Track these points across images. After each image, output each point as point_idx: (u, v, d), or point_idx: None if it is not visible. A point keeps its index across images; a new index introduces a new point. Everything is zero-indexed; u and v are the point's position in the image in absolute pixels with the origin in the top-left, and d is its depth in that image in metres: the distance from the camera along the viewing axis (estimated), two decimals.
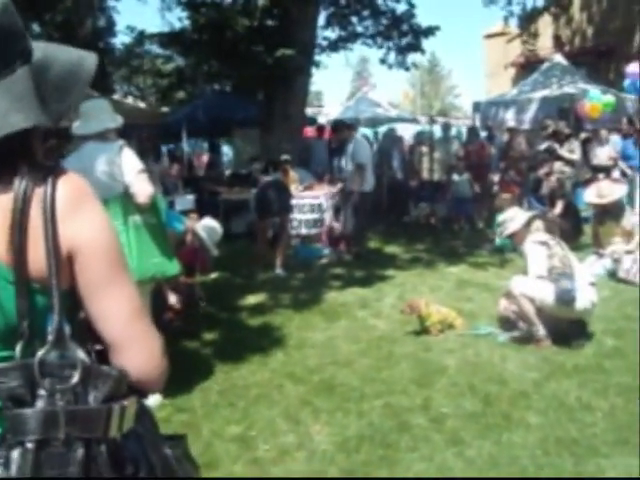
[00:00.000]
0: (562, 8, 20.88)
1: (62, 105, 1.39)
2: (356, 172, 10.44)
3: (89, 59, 1.44)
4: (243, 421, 4.63)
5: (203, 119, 15.17)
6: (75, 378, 1.28)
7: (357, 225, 10.77)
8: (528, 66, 21.70)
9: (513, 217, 6.44)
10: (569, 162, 11.42)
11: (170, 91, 19.82)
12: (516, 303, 6.06)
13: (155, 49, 19.65)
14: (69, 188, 1.33)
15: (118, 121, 4.87)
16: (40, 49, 1.38)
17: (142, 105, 21.47)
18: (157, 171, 10.42)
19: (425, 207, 13.92)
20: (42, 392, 1.26)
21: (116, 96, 22.65)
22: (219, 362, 5.81)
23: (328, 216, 11.61)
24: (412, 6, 15.51)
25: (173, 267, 4.88)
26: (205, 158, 17.98)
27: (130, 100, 22.76)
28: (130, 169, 4.67)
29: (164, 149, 17.28)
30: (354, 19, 15.87)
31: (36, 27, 17.82)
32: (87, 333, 1.38)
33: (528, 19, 21.09)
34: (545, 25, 22.74)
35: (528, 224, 6.33)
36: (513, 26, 22.79)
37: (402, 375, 5.40)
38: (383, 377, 5.38)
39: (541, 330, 5.91)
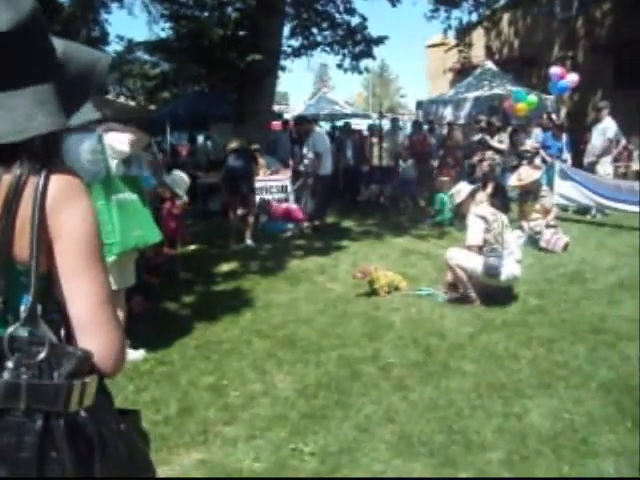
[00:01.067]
0: (493, 23, 20.87)
1: (78, 106, 1.33)
2: (315, 159, 10.42)
3: (103, 60, 1.36)
4: (216, 372, 4.48)
5: (184, 115, 14.96)
6: (42, 355, 1.20)
7: (316, 203, 10.63)
8: (463, 71, 21.62)
9: (459, 190, 6.36)
10: (498, 151, 11.39)
11: (156, 91, 19.54)
12: (452, 271, 6.00)
13: (143, 56, 19.33)
14: (61, 182, 1.24)
15: (97, 114, 4.69)
16: (60, 46, 1.29)
17: (132, 103, 21.09)
18: (144, 157, 10.16)
19: (375, 188, 13.85)
20: (9, 365, 1.19)
21: (110, 96, 22.21)
22: (196, 321, 5.63)
23: (291, 196, 11.48)
24: (364, 19, 15.53)
25: (154, 236, 4.71)
26: (185, 149, 17.67)
27: (122, 99, 22.36)
28: (116, 139, 4.53)
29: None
30: (315, 30, 15.82)
31: None
32: (60, 316, 1.29)
33: (464, 31, 21.05)
34: (478, 37, 22.70)
35: (472, 195, 6.25)
36: (451, 37, 22.75)
37: (354, 330, 5.27)
38: (338, 332, 5.24)
39: (472, 293, 5.85)
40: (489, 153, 11.48)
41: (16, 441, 1.16)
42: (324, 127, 19.92)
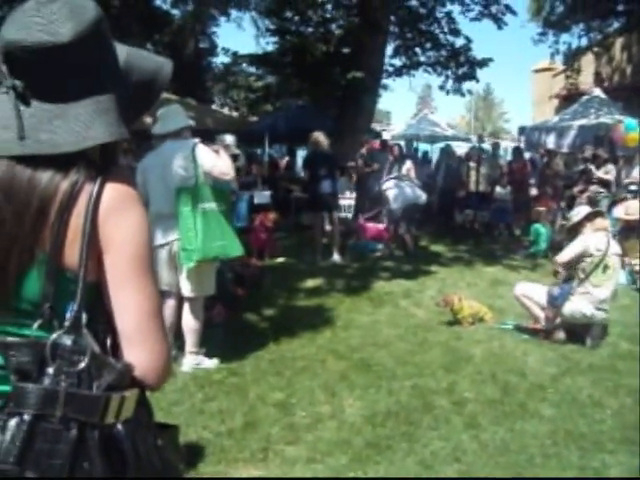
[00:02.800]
0: (604, 48, 20.12)
1: (139, 115, 1.34)
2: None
3: (166, 67, 1.35)
4: (286, 389, 4.46)
5: (284, 128, 15.09)
6: (82, 364, 1.19)
7: (409, 226, 10.46)
8: (570, 98, 20.92)
9: (579, 211, 6.05)
10: (605, 183, 10.89)
11: (258, 104, 19.93)
12: (519, 302, 5.91)
13: (248, 68, 19.86)
14: (115, 191, 1.23)
15: (190, 122, 4.87)
16: (123, 53, 1.30)
17: (235, 114, 21.63)
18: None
19: (470, 213, 13.54)
20: (49, 371, 1.18)
21: (214, 106, 22.90)
22: (274, 335, 5.63)
23: (385, 218, 11.35)
24: (469, 40, 15.42)
25: (236, 249, 4.75)
26: (284, 162, 17.89)
27: (226, 110, 22.98)
28: (207, 159, 4.61)
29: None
30: (418, 50, 15.78)
31: (149, 45, 18.13)
32: (108, 326, 1.28)
33: (572, 56, 20.41)
34: (587, 63, 21.98)
35: (589, 218, 5.81)
36: (559, 62, 22.11)
37: (432, 360, 5.12)
38: (415, 360, 5.10)
39: (550, 325, 5.63)
40: (594, 187, 11.02)
41: (49, 448, 1.15)
42: (423, 148, 19.80)
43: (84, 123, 1.19)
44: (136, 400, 1.26)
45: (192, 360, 4.80)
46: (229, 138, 5.81)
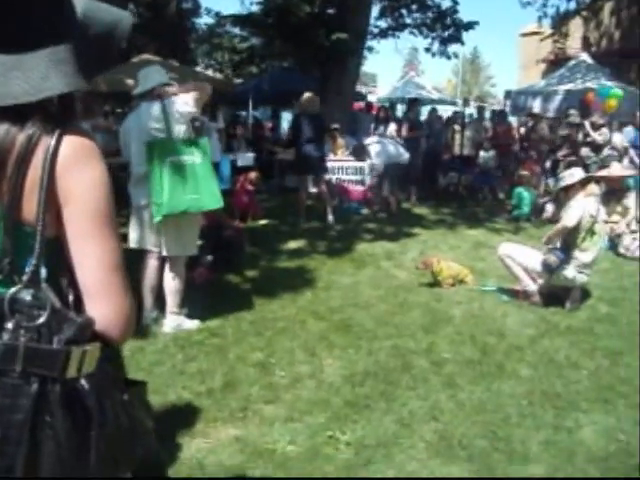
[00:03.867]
0: (593, 12, 19.93)
1: (101, 68, 1.33)
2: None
3: (125, 20, 1.32)
4: (266, 349, 4.46)
5: (268, 91, 14.89)
6: (42, 318, 1.18)
7: (392, 188, 10.41)
8: (557, 63, 20.78)
9: (573, 173, 5.82)
10: (596, 147, 10.82)
11: (243, 65, 19.66)
12: (503, 264, 5.84)
13: (233, 30, 19.52)
14: (73, 144, 1.21)
15: (165, 79, 4.71)
16: (80, 5, 1.26)
17: (219, 76, 21.34)
18: (213, 128, 10.26)
19: (454, 176, 13.50)
20: (8, 326, 1.18)
21: (198, 68, 22.54)
22: (255, 296, 5.62)
23: (369, 178, 11.30)
24: (456, 2, 15.24)
25: (212, 202, 4.58)
26: (269, 124, 17.71)
27: (210, 72, 22.65)
28: (180, 104, 4.50)
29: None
30: (404, 11, 15.58)
31: (131, 6, 17.73)
32: (71, 281, 1.27)
33: (560, 20, 20.20)
34: (575, 27, 21.78)
35: (583, 183, 5.72)
36: (546, 26, 21.91)
37: (412, 321, 5.13)
38: (395, 321, 5.11)
39: (531, 286, 5.63)
40: (585, 150, 10.96)
41: (10, 403, 1.15)
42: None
43: (41, 74, 1.16)
44: (99, 354, 1.25)
45: (173, 321, 4.77)
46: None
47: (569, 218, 5.50)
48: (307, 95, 9.24)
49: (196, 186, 4.47)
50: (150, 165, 4.41)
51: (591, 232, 5.51)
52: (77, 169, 1.21)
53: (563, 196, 5.83)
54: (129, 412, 1.31)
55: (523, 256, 5.70)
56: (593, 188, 5.81)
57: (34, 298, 1.19)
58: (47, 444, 1.17)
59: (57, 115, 1.23)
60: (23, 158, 1.17)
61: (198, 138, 4.68)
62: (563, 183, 5.76)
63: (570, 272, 5.51)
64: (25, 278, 1.20)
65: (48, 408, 1.17)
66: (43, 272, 1.21)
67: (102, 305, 1.25)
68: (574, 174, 5.75)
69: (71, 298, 1.27)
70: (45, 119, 1.19)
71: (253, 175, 9.56)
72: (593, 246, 5.55)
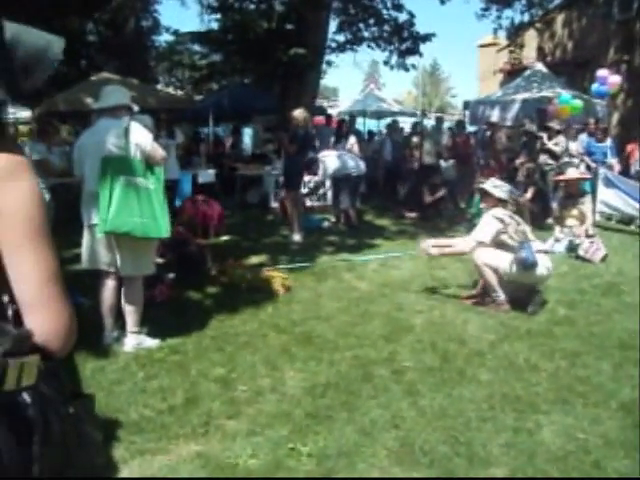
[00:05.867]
0: (546, 23, 20.42)
1: (30, 86, 1.32)
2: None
3: (56, 44, 1.36)
4: (228, 364, 4.43)
5: (228, 107, 14.84)
6: None
7: (352, 200, 10.48)
8: (514, 72, 21.25)
9: (500, 186, 6.02)
10: (554, 155, 11.06)
11: (203, 82, 19.63)
12: (479, 272, 5.82)
13: (193, 47, 19.54)
14: (4, 160, 1.23)
15: (126, 100, 4.72)
16: (10, 30, 1.29)
17: (180, 93, 21.31)
18: (171, 145, 10.20)
19: (414, 187, 13.52)
20: None
21: (159, 85, 22.47)
22: (216, 312, 5.58)
23: (329, 193, 11.37)
24: (412, 16, 15.44)
25: (159, 230, 4.49)
26: (229, 140, 17.69)
27: (171, 89, 22.62)
28: (143, 138, 4.54)
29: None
30: (361, 25, 15.73)
31: (90, 25, 17.65)
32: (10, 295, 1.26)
33: (515, 32, 20.66)
34: (530, 38, 22.32)
35: (503, 201, 5.90)
36: (502, 37, 22.37)
37: (373, 331, 5.15)
38: (356, 332, 5.13)
39: (501, 296, 5.67)
40: (543, 157, 11.18)
41: None
42: (370, 125, 19.86)
43: None
44: (40, 366, 1.23)
45: (134, 340, 4.72)
46: (147, 119, 5.65)
47: (480, 235, 5.82)
48: (295, 112, 9.25)
49: (145, 210, 4.40)
50: (103, 180, 4.36)
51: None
52: (9, 185, 1.22)
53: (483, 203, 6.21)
54: (77, 425, 1.30)
55: (497, 260, 5.69)
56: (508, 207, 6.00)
57: None
58: None
59: None
60: None
61: (155, 165, 4.61)
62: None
63: (548, 262, 5.74)
64: None
65: None
66: None
67: (40, 317, 1.24)
68: (501, 187, 6.02)
69: (10, 312, 1.26)
70: None
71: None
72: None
